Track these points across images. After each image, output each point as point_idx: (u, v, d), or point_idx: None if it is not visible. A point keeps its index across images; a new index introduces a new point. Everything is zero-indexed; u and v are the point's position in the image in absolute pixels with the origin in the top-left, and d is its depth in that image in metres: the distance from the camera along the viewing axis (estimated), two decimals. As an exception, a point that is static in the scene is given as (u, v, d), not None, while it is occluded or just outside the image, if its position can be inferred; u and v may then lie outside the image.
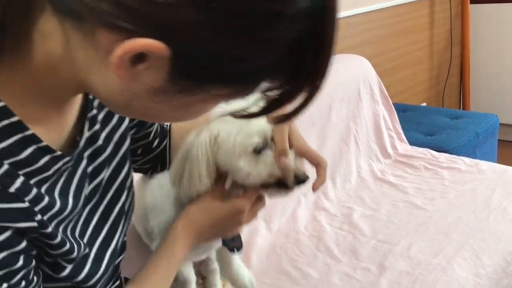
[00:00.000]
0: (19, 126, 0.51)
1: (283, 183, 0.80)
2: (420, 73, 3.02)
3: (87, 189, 0.65)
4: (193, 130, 0.82)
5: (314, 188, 0.83)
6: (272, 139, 0.79)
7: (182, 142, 0.84)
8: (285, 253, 1.48)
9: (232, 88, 0.48)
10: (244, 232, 1.54)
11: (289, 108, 0.50)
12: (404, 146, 2.11)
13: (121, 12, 0.41)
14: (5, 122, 0.50)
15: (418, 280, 1.30)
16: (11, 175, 0.50)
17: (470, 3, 3.10)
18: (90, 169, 0.66)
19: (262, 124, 0.78)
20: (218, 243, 0.91)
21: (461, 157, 1.97)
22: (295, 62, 0.46)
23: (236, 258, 1.03)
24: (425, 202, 1.68)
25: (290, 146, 0.81)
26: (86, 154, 0.65)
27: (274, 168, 0.78)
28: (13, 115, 0.50)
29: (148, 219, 0.93)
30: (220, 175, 0.81)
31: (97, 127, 0.66)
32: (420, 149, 2.07)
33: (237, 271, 1.01)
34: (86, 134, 0.64)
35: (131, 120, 0.79)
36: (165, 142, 0.93)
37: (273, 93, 0.48)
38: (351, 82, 2.01)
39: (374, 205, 1.70)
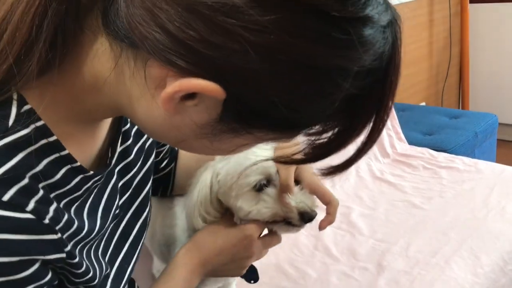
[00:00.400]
0: (56, 146, 0.50)
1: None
2: (419, 72, 3.02)
3: (115, 206, 0.63)
4: (201, 166, 0.82)
5: (321, 227, 0.82)
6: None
7: (187, 169, 0.84)
8: (283, 252, 1.47)
9: (279, 133, 0.47)
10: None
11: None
12: (403, 146, 2.11)
13: (179, 48, 0.41)
14: (43, 141, 0.48)
15: (416, 279, 1.30)
16: (46, 202, 0.48)
17: (469, 2, 3.10)
18: (120, 184, 0.64)
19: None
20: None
21: (459, 157, 1.97)
22: (351, 115, 0.46)
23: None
24: (423, 202, 1.68)
25: (299, 181, 0.78)
26: (117, 169, 0.63)
27: (276, 206, 0.76)
28: (51, 134, 0.49)
29: (170, 249, 0.91)
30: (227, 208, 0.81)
31: (129, 141, 0.65)
32: (419, 149, 2.07)
33: None
34: (119, 149, 0.62)
35: None
36: (172, 165, 0.90)
37: (321, 140, 0.48)
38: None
39: (373, 204, 1.70)
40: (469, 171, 1.86)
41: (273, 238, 0.81)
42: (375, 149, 2.02)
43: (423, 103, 3.08)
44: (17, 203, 0.45)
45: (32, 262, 0.47)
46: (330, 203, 0.82)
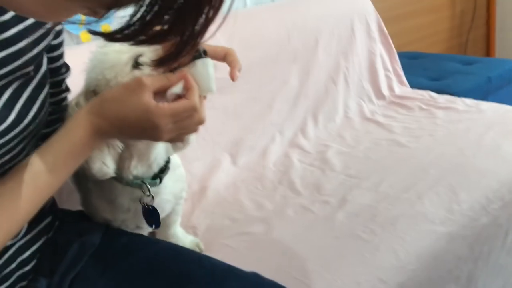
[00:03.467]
0: None
1: None
2: (439, 21, 2.79)
3: None
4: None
5: (233, 77, 0.76)
6: None
7: None
8: (245, 186, 1.36)
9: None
10: (206, 164, 1.44)
11: None
12: (403, 89, 1.94)
13: None
14: None
15: (380, 213, 1.16)
16: None
17: None
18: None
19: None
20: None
21: (462, 98, 1.79)
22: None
23: (177, 229, 1.04)
24: (410, 140, 1.52)
25: None
26: None
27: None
28: None
29: None
30: None
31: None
32: (420, 91, 1.89)
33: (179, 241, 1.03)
34: None
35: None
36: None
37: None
38: (344, 15, 1.85)
39: (354, 143, 1.56)
40: (469, 111, 1.68)
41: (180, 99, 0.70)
42: (369, 90, 1.86)
43: (443, 56, 2.85)
44: None
45: None
46: (227, 54, 0.77)
